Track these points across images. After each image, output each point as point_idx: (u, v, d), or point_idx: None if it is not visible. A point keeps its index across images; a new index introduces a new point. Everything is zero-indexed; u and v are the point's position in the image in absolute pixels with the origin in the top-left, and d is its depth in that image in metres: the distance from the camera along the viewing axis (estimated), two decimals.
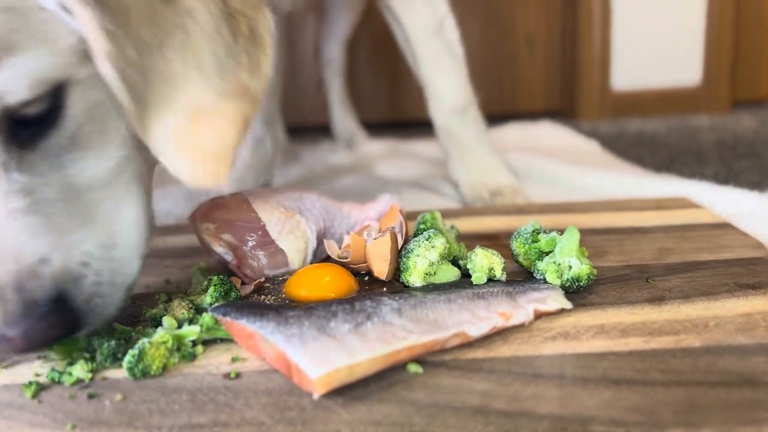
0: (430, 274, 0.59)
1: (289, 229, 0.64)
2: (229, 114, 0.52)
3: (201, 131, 0.51)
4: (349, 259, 0.63)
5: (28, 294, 0.47)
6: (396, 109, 2.14)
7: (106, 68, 0.46)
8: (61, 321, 0.48)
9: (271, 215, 0.64)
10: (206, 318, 0.52)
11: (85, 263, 0.49)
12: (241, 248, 0.63)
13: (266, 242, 0.63)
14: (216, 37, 0.52)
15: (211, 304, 0.55)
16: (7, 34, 0.43)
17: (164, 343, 0.49)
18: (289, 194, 0.69)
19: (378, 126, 1.88)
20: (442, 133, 1.07)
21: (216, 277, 0.58)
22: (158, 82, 0.49)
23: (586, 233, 0.73)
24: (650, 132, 1.80)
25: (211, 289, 0.56)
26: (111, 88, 0.47)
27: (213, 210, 0.66)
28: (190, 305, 0.56)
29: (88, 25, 0.45)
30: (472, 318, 0.50)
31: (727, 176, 1.22)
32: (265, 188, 0.70)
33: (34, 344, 0.48)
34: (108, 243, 0.51)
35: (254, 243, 0.63)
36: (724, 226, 0.74)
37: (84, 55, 0.47)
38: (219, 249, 0.65)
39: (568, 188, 1.08)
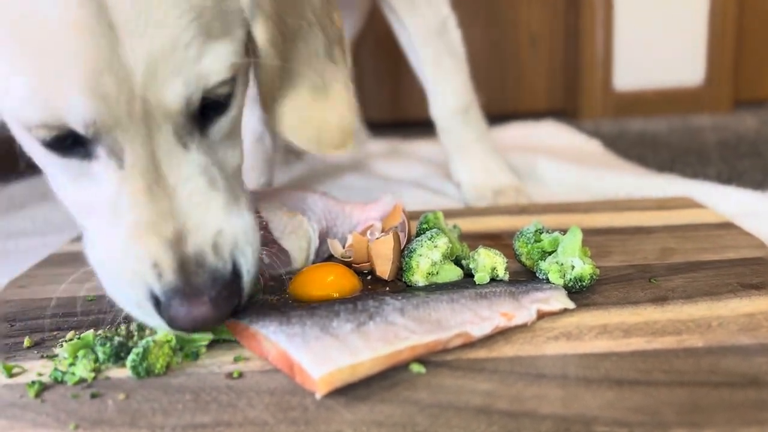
0: (432, 274, 0.59)
1: (291, 229, 0.64)
2: (340, 93, 0.62)
3: (321, 108, 0.61)
4: (351, 259, 0.63)
5: (212, 265, 0.49)
6: (398, 109, 2.15)
7: (268, 53, 0.55)
8: (237, 290, 0.50)
9: (274, 215, 0.64)
10: None
11: (245, 238, 0.52)
12: None
13: (269, 241, 0.63)
14: (319, 28, 0.61)
15: None
16: (211, 22, 0.49)
17: (168, 342, 0.49)
18: (292, 194, 0.69)
19: (380, 126, 1.88)
20: (443, 133, 1.07)
21: None
22: (293, 64, 0.59)
23: (588, 233, 0.73)
24: (652, 132, 1.79)
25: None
26: (262, 73, 0.57)
27: None
28: None
29: (260, 11, 0.54)
30: (475, 318, 0.50)
31: (729, 176, 1.22)
32: (268, 188, 0.70)
33: (220, 312, 0.49)
34: (250, 221, 0.54)
35: None
36: (727, 226, 0.74)
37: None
38: None
39: (570, 188, 1.08)
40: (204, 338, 0.51)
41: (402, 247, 0.62)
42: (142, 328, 0.53)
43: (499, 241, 0.74)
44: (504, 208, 0.90)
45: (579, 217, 0.81)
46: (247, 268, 0.51)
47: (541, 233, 0.63)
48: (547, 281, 0.58)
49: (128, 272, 0.49)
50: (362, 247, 0.62)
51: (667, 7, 2.01)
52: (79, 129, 0.46)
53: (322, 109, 0.62)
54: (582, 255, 0.58)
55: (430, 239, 0.60)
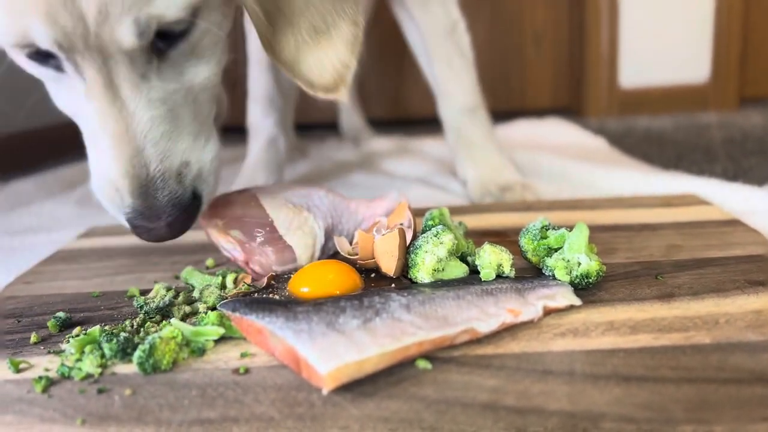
0: (438, 271, 0.59)
1: (297, 225, 0.64)
2: (343, 35, 0.63)
3: (321, 47, 0.63)
4: (357, 256, 0.63)
5: (173, 191, 0.56)
6: (400, 106, 2.14)
7: None
8: (194, 213, 0.58)
9: (279, 211, 0.64)
10: (212, 315, 0.52)
11: (209, 162, 0.59)
12: (249, 244, 0.63)
13: (274, 238, 0.63)
14: None
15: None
16: None
17: (174, 338, 0.49)
18: (298, 191, 0.69)
19: (383, 123, 1.87)
20: (451, 131, 1.08)
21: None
22: (286, 8, 0.61)
23: (594, 230, 0.73)
24: (658, 129, 1.79)
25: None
26: (248, 10, 0.60)
27: (221, 206, 0.66)
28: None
29: None
30: (481, 314, 0.50)
31: (735, 173, 1.22)
32: (273, 184, 0.70)
33: (175, 233, 0.57)
34: (213, 138, 0.60)
35: (262, 239, 0.63)
36: (734, 223, 0.74)
37: None
38: (227, 245, 0.65)
39: (576, 185, 1.08)
40: (211, 333, 0.51)
41: (408, 244, 0.62)
42: (146, 323, 0.54)
43: (504, 237, 0.74)
44: (509, 204, 0.90)
45: (585, 214, 0.81)
46: (207, 191, 0.58)
47: (547, 230, 0.63)
48: (554, 278, 0.58)
49: (101, 186, 0.57)
50: (368, 244, 0.61)
51: (673, 4, 2.00)
52: (47, 48, 0.52)
53: (319, 49, 0.63)
54: (588, 252, 0.58)
55: (435, 236, 0.60)
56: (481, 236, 0.73)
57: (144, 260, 0.74)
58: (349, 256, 0.64)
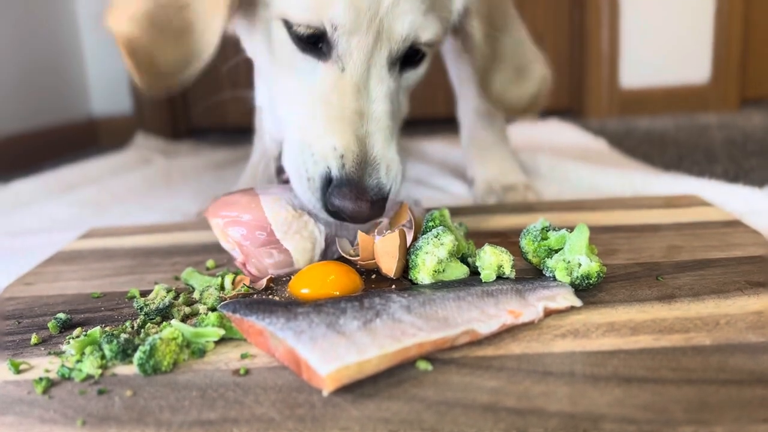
0: (438, 272, 0.59)
1: (296, 229, 0.64)
2: (536, 72, 0.87)
3: (519, 83, 0.86)
4: (358, 257, 0.62)
5: (381, 178, 0.63)
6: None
7: (482, 43, 0.78)
8: (383, 208, 0.64)
9: (278, 215, 0.64)
10: (212, 316, 0.52)
11: (402, 171, 0.67)
12: (247, 246, 0.63)
13: (272, 241, 0.63)
14: (520, 22, 0.89)
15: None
16: (436, 2, 0.67)
17: (175, 339, 0.49)
18: None
19: None
20: (466, 132, 1.12)
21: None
22: (500, 52, 0.82)
23: (595, 231, 0.73)
24: (659, 130, 1.79)
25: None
26: (476, 50, 0.79)
27: (223, 206, 0.65)
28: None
29: (475, 12, 0.76)
30: (482, 315, 0.50)
31: (736, 174, 1.22)
32: (277, 186, 0.70)
33: (370, 216, 0.63)
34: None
35: (260, 242, 0.63)
36: (735, 224, 0.74)
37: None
38: (226, 246, 0.65)
39: (576, 186, 1.08)
40: (211, 334, 0.51)
41: (408, 245, 0.62)
42: (147, 323, 0.54)
43: (505, 238, 0.74)
44: (510, 206, 0.90)
45: (586, 215, 0.81)
46: (395, 191, 0.66)
47: (547, 231, 0.62)
48: (554, 279, 0.58)
49: (317, 153, 0.63)
50: (368, 245, 0.61)
51: (673, 4, 2.00)
52: (330, 30, 0.63)
53: (519, 84, 0.86)
54: (589, 253, 0.58)
55: (436, 237, 0.60)
56: (481, 237, 0.73)
57: (144, 261, 0.74)
58: (350, 257, 0.64)
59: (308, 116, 0.65)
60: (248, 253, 0.63)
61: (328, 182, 0.62)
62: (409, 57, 0.69)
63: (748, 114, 1.96)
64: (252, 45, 0.74)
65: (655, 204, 0.84)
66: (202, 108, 2.29)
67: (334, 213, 0.62)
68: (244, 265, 0.64)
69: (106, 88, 2.21)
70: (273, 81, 0.70)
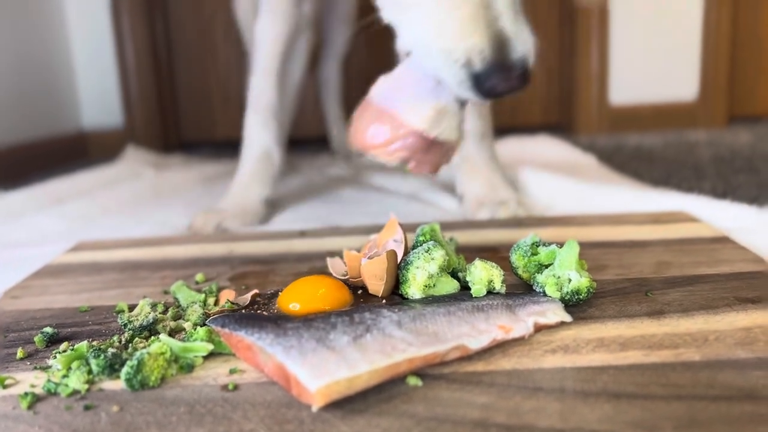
0: (429, 287, 0.59)
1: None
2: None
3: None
4: (347, 276, 0.62)
5: (522, 52, 0.67)
6: None
7: None
8: (528, 79, 0.68)
9: (424, 118, 0.68)
10: (201, 331, 0.51)
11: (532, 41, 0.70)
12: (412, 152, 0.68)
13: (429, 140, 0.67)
14: None
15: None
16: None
17: (163, 354, 0.49)
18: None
19: None
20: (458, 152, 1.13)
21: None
22: None
23: (585, 246, 0.73)
24: (648, 146, 1.80)
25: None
26: None
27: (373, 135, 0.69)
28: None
29: None
30: (472, 331, 0.50)
31: (724, 191, 1.23)
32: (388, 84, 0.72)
33: (520, 86, 0.68)
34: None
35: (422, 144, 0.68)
36: (723, 240, 0.74)
37: None
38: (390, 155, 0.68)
39: (566, 202, 1.08)
40: (200, 349, 0.50)
41: (399, 260, 0.61)
42: (134, 338, 0.53)
43: (496, 253, 0.74)
44: (501, 221, 0.90)
45: (575, 231, 0.81)
46: (531, 65, 0.69)
47: (537, 246, 0.63)
48: (544, 294, 0.58)
49: (457, 56, 0.66)
50: (356, 264, 0.61)
51: (662, 22, 2.03)
52: None
53: None
54: (579, 268, 0.58)
55: (426, 252, 0.60)
56: (472, 252, 0.73)
57: (133, 275, 0.74)
58: (340, 277, 0.63)
59: (439, 20, 0.68)
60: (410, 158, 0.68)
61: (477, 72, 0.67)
62: None
63: (735, 131, 1.98)
64: None
65: (644, 220, 0.84)
66: (193, 121, 2.29)
67: (487, 93, 0.68)
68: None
69: (97, 101, 2.20)
70: None
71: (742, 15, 2.06)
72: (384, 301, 0.60)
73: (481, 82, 0.67)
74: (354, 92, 1.99)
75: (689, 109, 2.08)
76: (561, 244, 0.60)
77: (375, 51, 2.05)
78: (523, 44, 0.69)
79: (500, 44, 0.67)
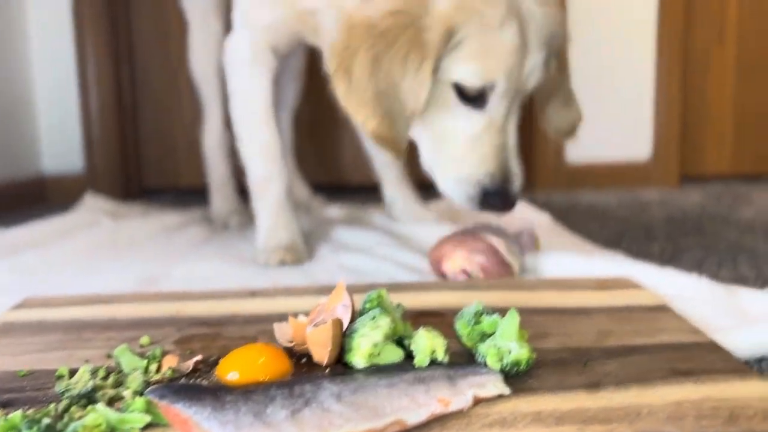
0: (374, 355, 0.60)
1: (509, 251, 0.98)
2: (575, 105, 1.26)
3: (567, 110, 1.24)
4: (293, 344, 0.63)
5: (516, 184, 0.99)
6: (334, 173, 2.17)
7: (552, 71, 1.10)
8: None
9: (501, 244, 0.96)
10: (138, 402, 0.51)
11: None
12: (490, 264, 0.95)
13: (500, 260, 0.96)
14: (569, 73, 1.21)
15: None
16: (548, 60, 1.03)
17: (98, 426, 0.48)
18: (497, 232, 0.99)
19: (318, 189, 1.88)
20: (400, 204, 1.47)
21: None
22: (560, 83, 1.18)
23: (530, 313, 0.74)
24: (602, 205, 1.85)
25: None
26: (542, 93, 1.14)
27: (457, 245, 0.96)
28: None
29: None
30: (411, 404, 0.51)
31: (673, 253, 1.27)
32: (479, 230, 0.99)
33: (512, 208, 1.00)
34: None
35: (496, 261, 0.96)
36: (663, 309, 0.76)
37: None
38: (461, 267, 0.96)
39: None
40: (137, 421, 0.50)
41: (345, 328, 0.62)
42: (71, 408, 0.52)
43: (443, 318, 0.75)
44: (451, 284, 0.92)
45: (522, 296, 0.83)
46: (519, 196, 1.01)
47: (481, 315, 0.64)
48: (485, 365, 0.59)
49: (473, 178, 0.97)
50: (301, 331, 0.62)
51: (617, 84, 2.11)
52: (489, 91, 0.96)
53: (566, 111, 1.17)
54: (519, 339, 0.59)
55: (372, 319, 0.61)
56: (421, 317, 0.74)
57: (77, 336, 0.73)
58: (287, 344, 0.64)
59: (461, 151, 0.97)
60: (489, 270, 0.94)
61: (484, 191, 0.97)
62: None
63: (686, 191, 2.05)
64: None
65: (590, 286, 0.86)
66: (156, 168, 2.28)
67: (488, 208, 0.97)
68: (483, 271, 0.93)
69: (58, 145, 2.18)
70: (427, 124, 0.99)
71: (691, 80, 2.16)
72: (327, 370, 0.60)
73: (487, 199, 0.95)
74: (302, 142, 2.01)
75: (643, 169, 2.15)
76: (504, 313, 0.62)
77: (320, 101, 2.08)
78: (519, 180, 0.98)
79: (506, 176, 0.94)
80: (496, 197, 0.93)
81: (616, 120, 2.13)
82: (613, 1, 2.08)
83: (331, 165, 2.19)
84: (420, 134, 1.01)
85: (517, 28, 0.94)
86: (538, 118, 1.20)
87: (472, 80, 0.94)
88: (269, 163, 1.21)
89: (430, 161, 1.00)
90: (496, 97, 0.95)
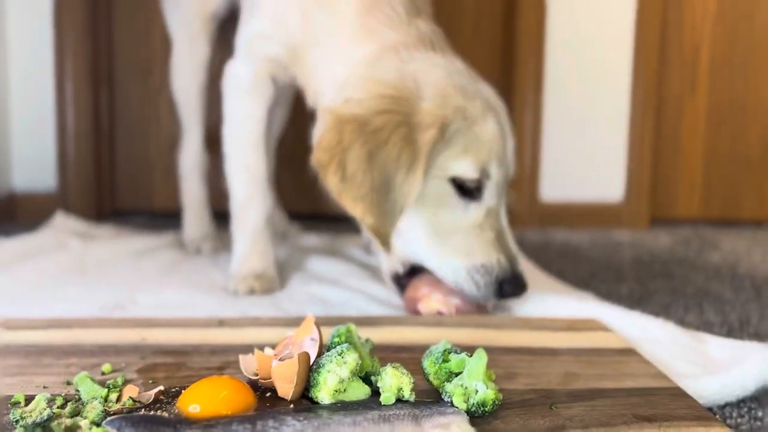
0: (339, 391, 0.59)
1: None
2: None
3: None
4: (258, 377, 0.62)
5: (520, 268, 0.98)
6: (314, 201, 2.17)
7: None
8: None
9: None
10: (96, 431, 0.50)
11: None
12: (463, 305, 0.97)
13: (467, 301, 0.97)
14: None
15: None
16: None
17: None
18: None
19: (295, 217, 1.87)
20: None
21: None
22: None
23: (498, 352, 0.75)
24: (575, 244, 1.87)
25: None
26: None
27: (432, 288, 0.97)
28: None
29: None
30: None
31: (641, 295, 1.28)
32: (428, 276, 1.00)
33: (520, 293, 0.98)
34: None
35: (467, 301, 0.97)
36: (629, 353, 0.77)
37: None
38: (436, 308, 0.96)
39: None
40: None
41: (312, 362, 0.61)
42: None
43: (412, 354, 0.75)
44: (421, 319, 0.92)
45: (491, 334, 0.83)
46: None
47: (449, 353, 0.64)
48: (452, 404, 0.59)
49: (481, 268, 0.95)
50: (266, 365, 0.61)
51: (591, 127, 2.16)
52: (484, 182, 0.97)
53: None
54: (486, 379, 0.59)
55: (339, 355, 0.60)
56: (389, 352, 0.74)
57: (37, 361, 0.71)
58: (252, 377, 0.63)
59: (463, 242, 0.96)
60: (463, 309, 0.95)
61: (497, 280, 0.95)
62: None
63: (657, 234, 2.09)
64: None
65: (558, 326, 0.87)
66: (130, 190, 2.26)
67: (503, 295, 0.96)
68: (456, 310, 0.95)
69: (31, 162, 2.16)
70: (423, 218, 0.98)
71: (664, 127, 2.21)
72: (292, 405, 0.59)
73: (502, 287, 0.94)
74: (281, 170, 2.01)
75: (615, 210, 2.18)
76: (471, 352, 0.62)
77: (299, 129, 2.09)
78: (520, 259, 1.00)
79: (512, 259, 0.96)
80: (509, 284, 0.94)
81: (590, 162, 2.17)
82: (589, 49, 2.14)
83: (309, 193, 2.18)
84: (411, 228, 0.98)
85: (496, 118, 0.99)
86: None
87: (469, 173, 0.95)
88: (252, 188, 1.21)
89: (427, 254, 0.98)
90: (491, 186, 0.97)
